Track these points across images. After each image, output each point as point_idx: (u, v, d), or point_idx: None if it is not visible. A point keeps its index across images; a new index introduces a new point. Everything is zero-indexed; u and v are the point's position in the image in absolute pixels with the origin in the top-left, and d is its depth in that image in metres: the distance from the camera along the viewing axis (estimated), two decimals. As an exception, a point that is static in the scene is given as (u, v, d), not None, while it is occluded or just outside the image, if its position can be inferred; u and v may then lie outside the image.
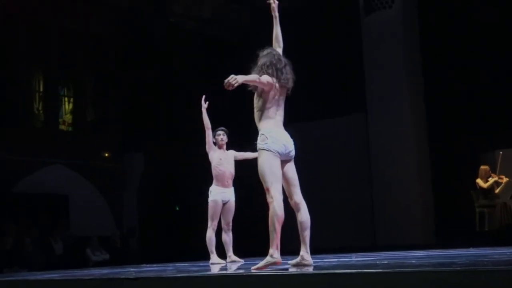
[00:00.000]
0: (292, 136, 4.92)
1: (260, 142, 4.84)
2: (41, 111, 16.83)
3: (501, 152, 12.34)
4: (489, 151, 13.86)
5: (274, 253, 4.69)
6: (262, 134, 4.85)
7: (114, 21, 17.77)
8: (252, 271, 4.61)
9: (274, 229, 4.69)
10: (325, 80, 17.15)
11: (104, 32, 17.54)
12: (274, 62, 4.96)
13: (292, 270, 4.65)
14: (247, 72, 4.90)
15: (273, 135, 4.82)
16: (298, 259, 4.90)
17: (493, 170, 12.23)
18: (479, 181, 12.13)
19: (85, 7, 17.07)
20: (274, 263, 4.69)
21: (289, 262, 5.00)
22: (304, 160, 16.53)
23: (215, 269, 6.05)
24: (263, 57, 5.03)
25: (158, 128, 18.16)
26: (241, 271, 5.23)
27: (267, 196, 4.77)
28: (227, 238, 7.78)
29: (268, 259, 4.72)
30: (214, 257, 7.66)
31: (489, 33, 14.43)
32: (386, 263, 5.00)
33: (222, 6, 19.11)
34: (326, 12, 17.14)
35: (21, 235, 13.59)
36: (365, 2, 15.13)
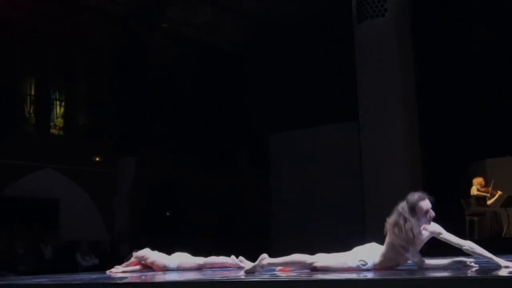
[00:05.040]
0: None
1: None
2: (32, 115, 16.75)
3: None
4: (480, 159, 13.92)
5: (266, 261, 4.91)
6: None
7: (107, 26, 17.74)
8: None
9: (291, 263, 4.93)
10: (317, 87, 17.17)
11: (97, 36, 17.50)
12: None
13: (283, 276, 4.65)
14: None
15: None
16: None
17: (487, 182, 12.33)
18: (473, 191, 12.19)
19: (79, 12, 17.02)
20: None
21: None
22: (296, 167, 16.46)
23: (204, 275, 6.00)
24: None
25: (151, 134, 18.11)
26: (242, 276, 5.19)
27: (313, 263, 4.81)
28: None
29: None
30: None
31: (483, 43, 14.48)
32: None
33: (216, 14, 19.15)
34: (319, 20, 17.17)
35: (10, 239, 13.52)
36: (357, 10, 15.14)
